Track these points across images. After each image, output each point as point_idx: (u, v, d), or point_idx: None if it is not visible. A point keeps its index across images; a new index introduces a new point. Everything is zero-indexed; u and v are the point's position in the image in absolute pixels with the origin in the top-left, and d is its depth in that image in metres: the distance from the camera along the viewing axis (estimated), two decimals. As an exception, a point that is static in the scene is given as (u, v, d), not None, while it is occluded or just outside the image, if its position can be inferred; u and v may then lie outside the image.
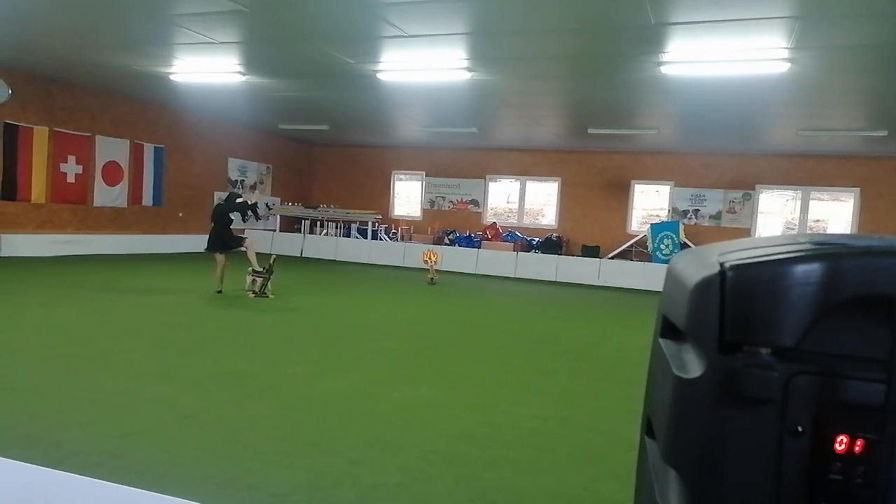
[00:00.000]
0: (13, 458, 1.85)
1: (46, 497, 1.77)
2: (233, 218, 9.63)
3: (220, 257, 9.29)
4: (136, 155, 14.66)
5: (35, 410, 3.98)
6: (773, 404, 0.66)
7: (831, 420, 0.66)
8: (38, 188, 12.63)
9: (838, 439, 0.65)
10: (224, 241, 9.36)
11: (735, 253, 0.72)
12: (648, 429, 0.87)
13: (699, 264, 0.74)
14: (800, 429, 0.66)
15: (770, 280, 0.67)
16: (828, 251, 0.68)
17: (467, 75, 9.49)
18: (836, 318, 0.65)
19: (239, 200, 9.73)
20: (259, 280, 9.28)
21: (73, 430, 3.69)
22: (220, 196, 17.36)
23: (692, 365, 0.71)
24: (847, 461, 0.65)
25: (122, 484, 1.80)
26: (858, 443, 0.65)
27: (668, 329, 0.83)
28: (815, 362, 0.66)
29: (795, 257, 0.67)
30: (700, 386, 0.69)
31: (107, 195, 14.04)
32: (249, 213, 9.63)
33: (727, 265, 0.69)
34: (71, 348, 5.65)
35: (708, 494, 0.69)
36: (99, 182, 13.84)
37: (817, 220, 16.06)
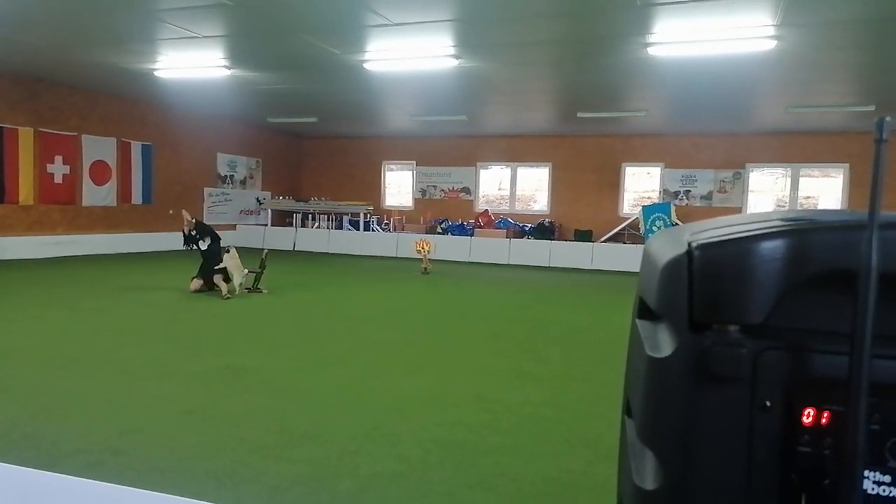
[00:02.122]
0: (13, 460, 1.86)
1: (45, 501, 1.77)
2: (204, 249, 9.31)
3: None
4: (124, 153, 14.56)
5: (34, 411, 3.99)
6: (742, 381, 0.67)
7: (799, 394, 0.67)
8: (25, 190, 12.54)
9: (805, 412, 0.66)
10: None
11: (705, 232, 0.73)
12: (627, 409, 0.88)
13: (671, 245, 0.75)
14: (768, 403, 0.68)
15: (736, 258, 0.68)
16: (791, 227, 0.68)
17: (454, 62, 9.45)
18: (801, 294, 0.67)
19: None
20: (252, 275, 9.27)
21: (73, 429, 3.70)
22: (210, 192, 17.32)
23: (664, 344, 0.72)
24: (815, 433, 0.66)
25: (125, 481, 1.81)
26: (825, 415, 0.66)
27: (644, 310, 0.84)
28: (783, 338, 0.67)
29: (760, 234, 0.68)
30: (672, 365, 0.70)
31: (95, 194, 13.96)
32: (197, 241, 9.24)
33: (694, 244, 0.70)
34: (67, 348, 5.64)
35: (682, 471, 0.70)
36: (87, 182, 13.75)
37: (808, 197, 16.13)
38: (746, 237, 0.68)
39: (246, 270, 8.95)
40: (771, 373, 0.67)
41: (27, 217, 12.66)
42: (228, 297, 8.57)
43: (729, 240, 0.70)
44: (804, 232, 0.68)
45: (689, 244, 0.70)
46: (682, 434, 0.70)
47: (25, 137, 12.46)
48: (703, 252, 0.69)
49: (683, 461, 0.70)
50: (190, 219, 9.27)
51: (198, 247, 9.21)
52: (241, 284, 8.83)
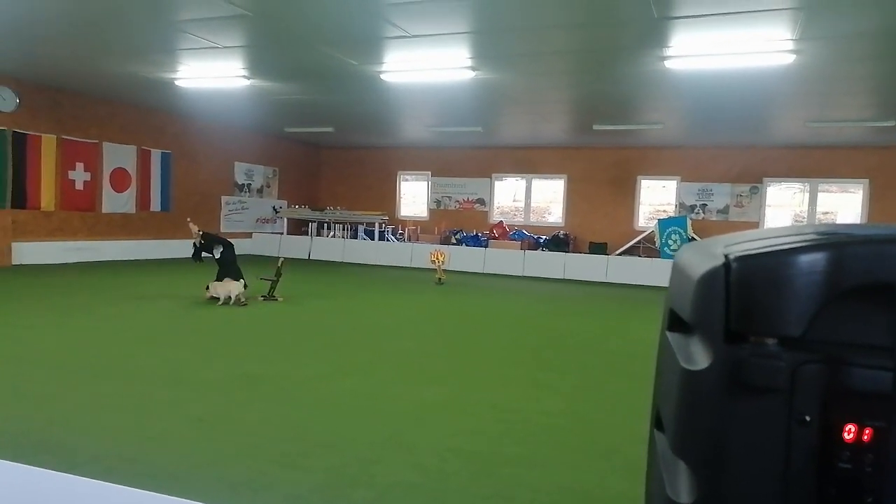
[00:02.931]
0: (29, 465, 1.88)
1: (61, 501, 1.79)
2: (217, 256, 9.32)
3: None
4: (144, 161, 14.76)
5: (51, 416, 4.03)
6: (780, 394, 0.67)
7: (839, 408, 0.66)
8: (47, 196, 12.74)
9: (846, 428, 0.66)
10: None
11: (740, 244, 0.73)
12: (657, 422, 0.88)
13: (704, 256, 0.75)
14: (807, 418, 0.67)
15: (774, 270, 0.67)
16: (830, 240, 0.68)
17: (471, 74, 9.49)
18: (840, 307, 0.66)
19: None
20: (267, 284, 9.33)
21: (89, 435, 3.73)
22: (227, 200, 17.49)
23: (699, 356, 0.72)
24: (856, 449, 0.65)
25: (139, 488, 1.82)
26: (867, 431, 0.65)
27: (675, 322, 0.83)
28: (822, 351, 0.67)
29: (799, 247, 0.68)
30: (707, 377, 0.70)
31: (115, 201, 14.15)
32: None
33: (731, 256, 0.70)
34: (84, 354, 5.70)
35: (717, 484, 0.69)
36: (107, 188, 13.95)
37: (826, 213, 15.95)
38: (784, 249, 0.68)
39: (242, 281, 8.89)
40: (810, 386, 0.66)
41: (48, 223, 12.85)
42: (224, 303, 8.64)
43: (767, 252, 0.69)
44: (843, 245, 0.67)
45: (726, 256, 0.70)
46: (718, 447, 0.69)
47: (48, 144, 12.68)
48: (740, 264, 0.69)
49: (719, 474, 0.69)
50: (196, 231, 9.33)
51: (211, 255, 9.27)
52: (238, 296, 8.78)
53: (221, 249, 9.25)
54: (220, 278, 9.09)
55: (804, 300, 0.66)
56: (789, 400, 0.67)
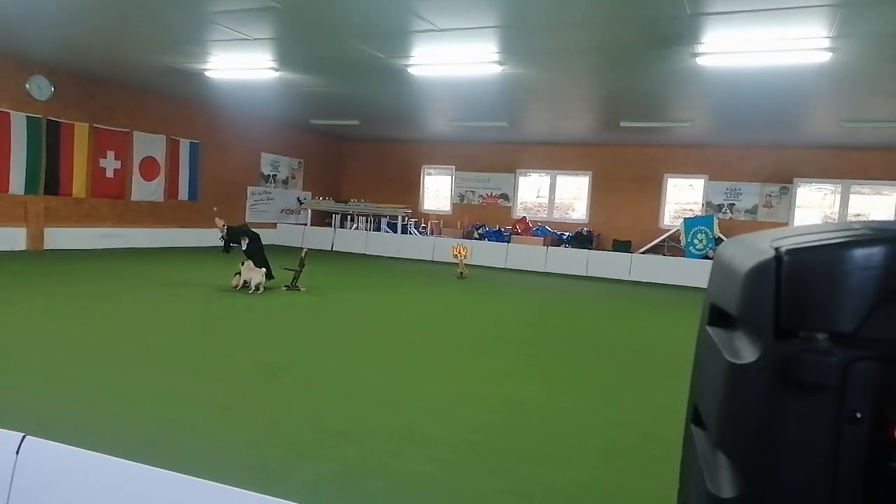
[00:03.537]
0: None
1: (90, 480, 1.82)
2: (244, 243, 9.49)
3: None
4: (172, 150, 14.98)
5: (79, 398, 4.11)
6: (830, 390, 0.65)
7: (892, 406, 0.64)
8: (79, 183, 13.00)
9: (899, 426, 0.64)
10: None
11: (789, 238, 0.71)
12: (695, 417, 0.86)
13: (751, 251, 0.73)
14: (858, 415, 0.65)
15: (828, 265, 0.65)
16: (885, 235, 0.66)
17: (498, 69, 9.44)
18: (895, 304, 0.64)
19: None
20: (292, 274, 9.43)
21: (116, 417, 3.80)
22: (252, 191, 17.67)
23: (745, 350, 0.70)
24: None
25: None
26: (920, 431, 0.63)
27: (717, 316, 0.82)
28: (875, 348, 0.65)
29: (854, 241, 0.66)
30: (754, 371, 0.68)
31: (144, 189, 14.38)
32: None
33: (783, 250, 0.68)
34: (111, 339, 5.81)
35: (762, 479, 0.68)
36: (136, 177, 14.18)
37: (857, 215, 15.59)
38: (839, 244, 0.66)
39: (263, 270, 9.04)
40: (862, 384, 0.65)
41: (79, 209, 13.12)
42: (242, 290, 8.82)
43: (820, 245, 0.67)
44: (899, 240, 0.65)
45: (777, 249, 0.68)
46: (763, 442, 0.68)
47: (81, 132, 12.92)
48: (792, 257, 0.67)
49: (764, 469, 0.68)
50: (221, 225, 9.55)
51: (239, 245, 9.43)
52: (258, 285, 8.94)
53: (248, 241, 9.39)
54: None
55: (858, 296, 0.64)
56: (840, 397, 0.65)
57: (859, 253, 0.64)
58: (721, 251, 0.88)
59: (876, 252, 0.64)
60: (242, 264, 9.08)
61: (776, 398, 0.67)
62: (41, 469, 1.81)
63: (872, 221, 0.76)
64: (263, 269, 9.06)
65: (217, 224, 9.62)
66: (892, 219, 14.57)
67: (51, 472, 1.84)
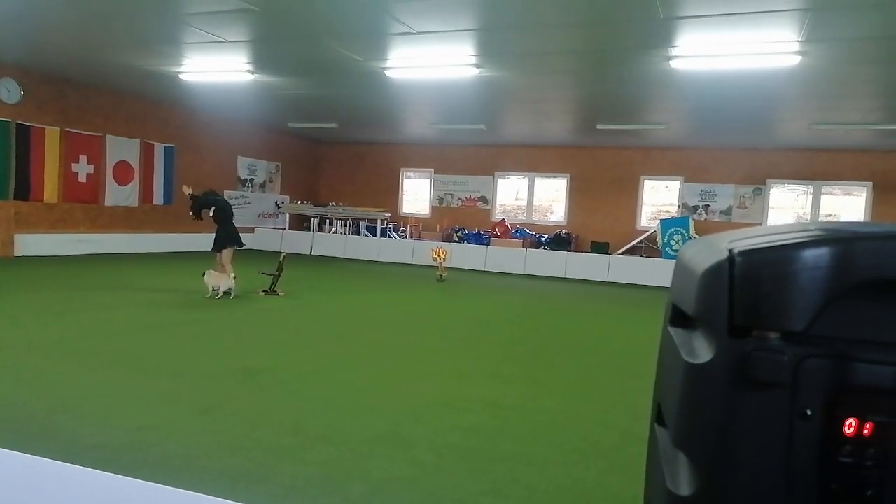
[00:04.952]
0: (32, 452, 1.88)
1: (62, 491, 1.80)
2: (207, 214, 9.36)
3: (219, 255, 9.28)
4: (147, 154, 14.77)
5: (53, 404, 4.04)
6: (782, 388, 0.67)
7: (841, 403, 0.66)
8: (50, 188, 12.76)
9: (847, 422, 0.66)
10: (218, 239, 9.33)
11: (744, 240, 0.73)
12: (658, 417, 0.88)
13: (708, 252, 0.75)
14: (809, 412, 0.67)
15: (779, 265, 0.67)
16: (836, 236, 0.68)
17: (475, 72, 9.48)
18: (845, 302, 0.66)
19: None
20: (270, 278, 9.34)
21: (91, 423, 3.74)
22: (230, 195, 17.48)
23: (702, 350, 0.72)
24: (857, 444, 0.65)
25: (141, 478, 1.83)
26: (868, 426, 0.65)
27: (678, 317, 0.83)
28: (825, 346, 0.67)
29: (804, 242, 0.68)
30: (710, 370, 0.70)
31: (118, 194, 14.16)
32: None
33: (736, 251, 0.70)
34: (86, 345, 5.71)
35: (718, 477, 0.69)
36: (110, 181, 13.96)
37: (829, 215, 15.92)
38: (790, 244, 0.68)
39: (233, 276, 8.85)
40: (812, 381, 0.67)
41: (51, 215, 12.87)
42: (213, 296, 8.65)
43: (771, 247, 0.69)
44: (848, 241, 0.67)
45: (730, 251, 0.70)
46: (720, 439, 0.69)
47: (52, 136, 12.69)
48: (745, 258, 0.69)
49: (720, 467, 0.69)
50: (188, 193, 9.53)
51: (207, 213, 9.32)
52: (229, 290, 8.76)
53: (214, 209, 9.30)
54: (216, 241, 9.19)
55: (808, 295, 0.66)
56: (792, 394, 0.67)
57: (809, 253, 0.66)
58: (682, 252, 0.90)
59: (825, 252, 0.66)
60: (203, 275, 8.82)
61: (731, 397, 0.69)
62: (11, 482, 1.78)
63: (828, 223, 0.78)
64: (233, 275, 8.86)
65: (184, 191, 9.66)
66: (852, 220, 14.94)
67: (22, 485, 1.80)
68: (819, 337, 0.67)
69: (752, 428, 0.68)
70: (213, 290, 8.72)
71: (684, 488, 0.71)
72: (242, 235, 9.75)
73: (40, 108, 12.46)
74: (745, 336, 0.69)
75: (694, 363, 0.72)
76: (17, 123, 12.06)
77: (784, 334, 0.67)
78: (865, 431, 0.65)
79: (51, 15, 8.18)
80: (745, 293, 0.69)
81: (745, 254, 0.69)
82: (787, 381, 0.67)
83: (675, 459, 0.76)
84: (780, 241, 0.69)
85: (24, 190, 12.30)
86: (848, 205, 15.79)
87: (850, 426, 0.66)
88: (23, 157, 12.20)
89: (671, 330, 0.84)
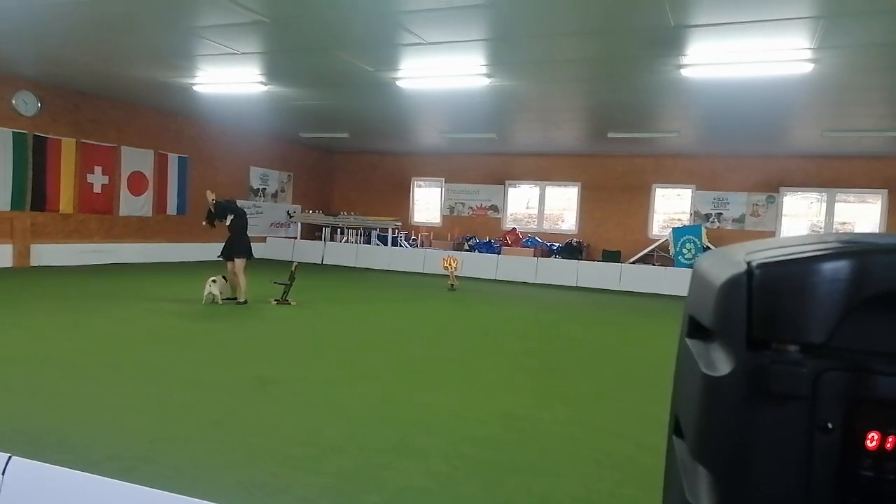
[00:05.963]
0: (47, 463, 1.90)
1: (77, 500, 1.81)
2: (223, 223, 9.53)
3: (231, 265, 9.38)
4: (161, 165, 14.94)
5: (67, 416, 4.07)
6: (802, 400, 0.67)
7: (862, 416, 0.66)
8: (66, 198, 12.92)
9: (869, 436, 0.65)
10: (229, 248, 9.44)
11: (762, 252, 0.73)
12: (676, 428, 0.88)
13: (726, 263, 0.75)
14: (830, 425, 0.67)
15: (798, 277, 0.67)
16: (854, 248, 0.68)
17: (486, 81, 9.52)
18: (864, 314, 0.66)
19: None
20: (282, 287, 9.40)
21: (106, 435, 3.77)
22: (242, 204, 17.60)
23: (720, 363, 0.72)
24: (878, 458, 0.65)
25: (155, 488, 1.84)
26: (890, 439, 0.65)
27: (695, 329, 0.83)
28: (845, 358, 0.67)
29: (823, 255, 0.68)
30: (728, 383, 0.70)
31: (132, 205, 14.32)
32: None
33: (754, 263, 0.70)
34: (100, 355, 5.76)
35: (737, 489, 0.69)
36: (124, 192, 14.12)
37: (843, 223, 15.78)
38: (808, 257, 0.68)
39: (214, 279, 9.01)
40: (832, 394, 0.66)
41: (66, 225, 13.03)
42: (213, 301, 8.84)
43: (790, 259, 0.69)
44: (867, 253, 0.67)
45: (749, 263, 0.70)
46: (738, 452, 0.69)
47: (68, 147, 12.87)
48: (763, 270, 0.69)
49: (739, 479, 0.69)
50: (212, 199, 9.65)
51: (223, 220, 9.46)
52: (217, 296, 8.93)
53: (233, 217, 9.44)
54: (226, 248, 9.34)
55: (827, 307, 0.66)
56: (811, 407, 0.67)
57: (828, 266, 0.67)
58: (699, 263, 0.91)
59: (843, 265, 0.66)
60: (209, 282, 8.98)
61: (750, 410, 0.69)
62: (28, 490, 1.80)
63: (846, 234, 0.78)
64: (217, 277, 9.06)
65: (208, 196, 9.76)
66: (869, 231, 14.78)
67: (38, 493, 1.82)
68: (839, 349, 0.67)
69: (771, 441, 0.68)
70: (215, 296, 8.89)
71: (704, 501, 0.71)
72: (254, 245, 9.87)
73: (56, 121, 12.65)
74: (763, 349, 0.69)
75: (712, 375, 0.72)
76: (34, 135, 12.25)
77: (803, 347, 0.67)
78: (888, 445, 0.65)
79: (67, 30, 8.32)
80: (764, 305, 0.69)
81: (764, 266, 0.69)
82: (806, 395, 0.67)
83: (693, 471, 0.75)
84: (798, 253, 0.69)
85: (41, 201, 12.47)
86: (863, 213, 15.64)
87: (871, 439, 0.65)
88: (39, 168, 12.38)
89: (689, 342, 0.84)
